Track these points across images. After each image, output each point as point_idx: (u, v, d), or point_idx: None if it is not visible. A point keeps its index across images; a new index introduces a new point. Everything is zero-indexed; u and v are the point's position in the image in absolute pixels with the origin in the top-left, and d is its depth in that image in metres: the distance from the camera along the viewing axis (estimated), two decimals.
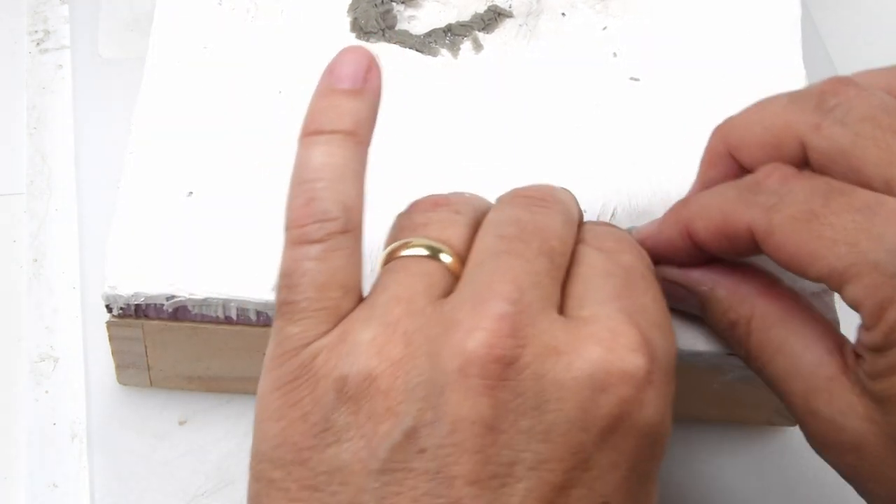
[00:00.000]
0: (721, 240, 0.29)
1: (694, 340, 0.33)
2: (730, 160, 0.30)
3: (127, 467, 0.37)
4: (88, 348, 0.41)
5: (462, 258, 0.27)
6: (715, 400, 0.36)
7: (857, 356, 0.27)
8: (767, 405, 0.36)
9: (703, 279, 0.31)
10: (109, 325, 0.35)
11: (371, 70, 0.28)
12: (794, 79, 0.39)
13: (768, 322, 0.29)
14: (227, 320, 0.35)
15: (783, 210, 0.27)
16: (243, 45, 0.40)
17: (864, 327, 0.26)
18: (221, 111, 0.39)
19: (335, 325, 0.26)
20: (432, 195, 0.30)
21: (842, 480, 0.28)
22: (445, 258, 0.27)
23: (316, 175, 0.27)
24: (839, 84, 0.28)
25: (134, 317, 0.35)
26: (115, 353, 0.37)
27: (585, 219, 0.32)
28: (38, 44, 0.49)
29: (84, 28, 0.49)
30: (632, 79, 0.39)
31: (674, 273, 0.31)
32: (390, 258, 0.28)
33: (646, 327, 0.26)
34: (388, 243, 0.28)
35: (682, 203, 0.31)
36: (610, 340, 0.25)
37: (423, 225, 0.28)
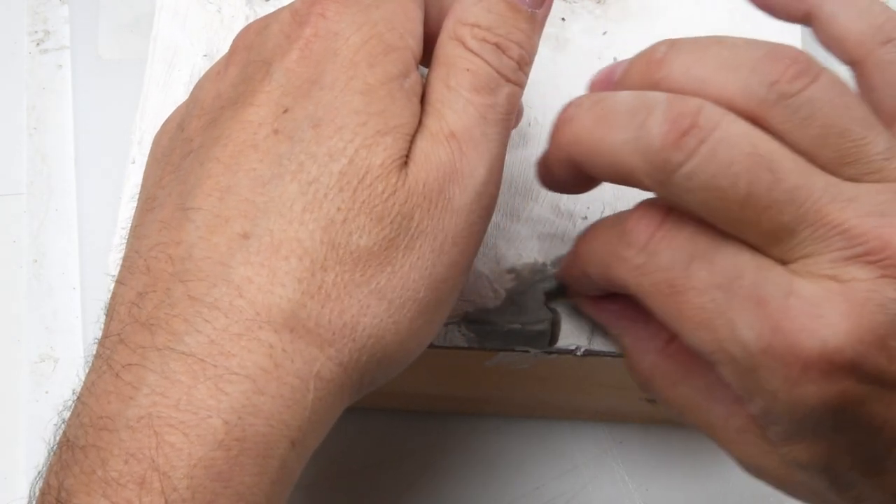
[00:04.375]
0: (612, 288, 0.28)
1: None
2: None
3: None
4: (88, 349, 0.41)
5: None
6: None
7: None
8: None
9: (613, 323, 0.30)
10: None
11: None
12: None
13: (669, 380, 0.28)
14: None
15: (649, 275, 0.25)
16: None
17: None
18: None
19: None
20: None
21: None
22: None
23: None
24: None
25: None
26: None
27: (585, 220, 0.33)
28: (38, 44, 0.49)
29: (84, 28, 0.50)
30: None
31: (589, 309, 0.31)
32: None
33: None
34: None
35: (580, 240, 0.29)
36: None
37: None
